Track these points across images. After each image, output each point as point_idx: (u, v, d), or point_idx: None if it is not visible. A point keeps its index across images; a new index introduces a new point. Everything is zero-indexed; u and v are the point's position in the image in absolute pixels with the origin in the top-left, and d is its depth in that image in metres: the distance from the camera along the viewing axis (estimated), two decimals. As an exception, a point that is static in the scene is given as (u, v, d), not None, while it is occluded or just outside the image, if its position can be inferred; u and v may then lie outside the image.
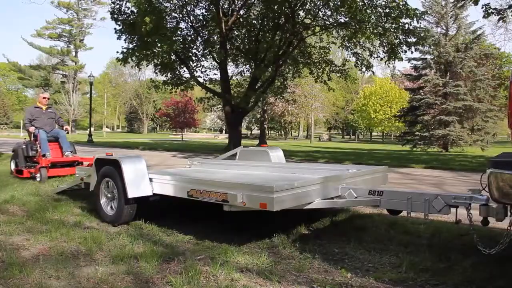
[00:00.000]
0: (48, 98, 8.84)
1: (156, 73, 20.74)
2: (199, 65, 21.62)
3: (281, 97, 27.04)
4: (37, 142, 8.26)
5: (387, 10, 16.67)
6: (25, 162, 8.38)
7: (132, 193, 4.67)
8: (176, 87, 21.04)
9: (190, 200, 4.41)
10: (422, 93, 28.12)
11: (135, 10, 16.72)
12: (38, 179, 7.81)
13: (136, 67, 19.47)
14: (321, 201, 4.19)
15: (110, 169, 5.02)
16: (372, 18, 17.06)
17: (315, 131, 61.56)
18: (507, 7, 16.45)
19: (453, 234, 4.50)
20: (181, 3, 19.32)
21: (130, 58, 18.37)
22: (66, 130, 8.76)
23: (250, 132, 75.85)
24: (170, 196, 4.67)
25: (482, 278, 3.22)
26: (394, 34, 17.53)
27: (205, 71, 22.13)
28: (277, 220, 4.91)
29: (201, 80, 21.47)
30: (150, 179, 4.83)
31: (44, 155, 7.84)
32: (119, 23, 18.28)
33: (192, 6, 20.21)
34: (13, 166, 9.01)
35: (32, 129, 8.13)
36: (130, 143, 28.72)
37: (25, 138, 9.33)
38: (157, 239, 4.35)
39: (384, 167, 5.65)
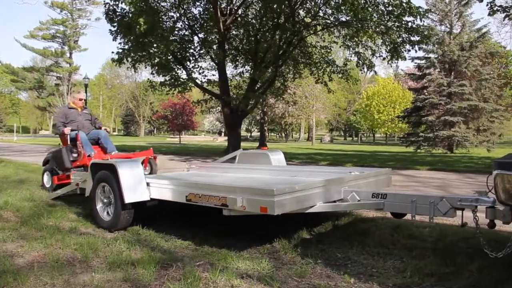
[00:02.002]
0: (85, 100, 8.31)
1: (153, 74, 20.75)
2: (196, 66, 21.63)
3: (281, 99, 27.06)
4: (78, 143, 7.40)
5: (390, 8, 16.69)
6: (70, 167, 7.35)
7: (129, 198, 4.68)
8: (173, 89, 21.04)
9: (189, 205, 4.41)
10: (426, 93, 28.10)
11: (131, 10, 16.74)
12: None
13: (132, 68, 19.48)
14: (323, 205, 4.19)
15: (106, 174, 5.03)
16: (374, 17, 17.06)
17: (316, 133, 61.51)
18: (512, 4, 16.47)
19: (459, 237, 4.51)
20: (177, 2, 19.35)
21: (125, 59, 18.38)
22: (106, 130, 7.97)
23: (249, 134, 75.86)
24: (168, 200, 4.68)
25: (489, 282, 3.22)
26: (397, 33, 17.53)
27: (203, 72, 22.14)
28: (278, 224, 4.92)
29: (199, 81, 21.48)
30: (148, 184, 4.84)
31: (89, 156, 7.09)
32: (114, 23, 18.29)
33: (189, 4, 20.22)
34: (46, 179, 7.98)
35: (67, 130, 7.34)
36: (127, 146, 28.66)
37: (59, 144, 8.68)
38: (155, 244, 4.35)
39: (387, 169, 5.65)
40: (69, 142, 7.40)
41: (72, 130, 7.45)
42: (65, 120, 7.62)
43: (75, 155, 7.27)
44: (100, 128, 8.01)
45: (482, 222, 3.51)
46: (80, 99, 7.98)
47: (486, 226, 3.53)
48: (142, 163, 6.07)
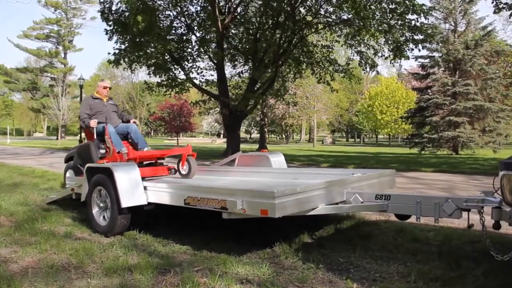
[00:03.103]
0: (110, 88, 7.50)
1: (150, 74, 20.76)
2: (194, 66, 21.64)
3: (281, 99, 27.08)
4: (106, 137, 6.57)
5: (393, 6, 16.70)
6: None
7: (125, 202, 4.68)
8: (171, 89, 21.05)
9: (187, 209, 4.41)
10: (430, 93, 28.13)
11: (127, 8, 16.75)
12: None
13: (128, 68, 19.48)
14: (325, 207, 4.19)
15: (102, 177, 5.04)
16: (377, 15, 17.08)
17: (317, 134, 61.51)
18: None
19: (464, 241, 4.51)
20: (174, 0, 19.35)
21: (122, 60, 18.40)
22: (134, 123, 7.18)
23: (249, 136, 75.91)
24: (166, 204, 4.68)
25: (495, 287, 3.23)
26: (400, 31, 17.55)
27: (201, 72, 22.14)
28: (279, 228, 4.93)
29: (197, 81, 21.50)
30: (145, 187, 4.84)
31: (119, 152, 6.26)
32: (110, 23, 18.31)
33: (186, 3, 20.23)
34: (68, 175, 7.36)
35: (93, 122, 6.58)
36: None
37: (83, 139, 7.99)
38: (152, 249, 4.35)
39: (391, 170, 5.66)
40: (95, 137, 6.62)
41: (99, 123, 6.68)
42: (90, 111, 6.87)
43: (102, 151, 6.50)
44: (128, 121, 7.27)
45: (488, 224, 3.52)
46: (105, 87, 7.24)
47: (491, 227, 3.54)
48: (179, 161, 5.92)
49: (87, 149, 6.53)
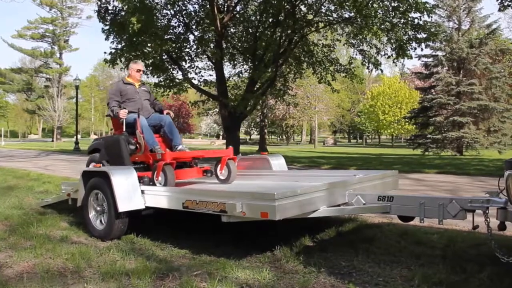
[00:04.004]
0: (144, 72, 6.83)
1: (147, 75, 20.76)
2: (193, 66, 21.64)
3: (281, 100, 27.09)
4: (137, 132, 5.78)
5: (395, 4, 16.71)
6: (127, 162, 5.71)
7: (123, 207, 4.68)
8: (168, 90, 21.05)
9: (186, 212, 4.42)
10: (434, 93, 28.17)
11: (124, 8, 16.76)
12: (159, 184, 5.15)
13: (125, 69, 19.48)
14: (327, 209, 4.20)
15: (99, 181, 5.04)
16: (379, 13, 17.08)
17: (319, 135, 61.57)
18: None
19: (469, 243, 4.51)
20: (171, -1, 19.38)
21: (119, 59, 18.40)
22: (168, 114, 6.38)
23: (249, 137, 75.87)
24: (164, 208, 4.69)
25: (501, 290, 3.23)
26: (403, 30, 17.56)
27: (200, 72, 22.14)
28: (279, 231, 4.93)
29: (195, 82, 21.49)
30: (142, 191, 4.85)
31: (151, 150, 5.60)
32: (106, 22, 18.33)
33: (184, 1, 20.24)
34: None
35: (123, 113, 5.82)
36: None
37: (111, 129, 6.98)
38: (150, 254, 4.36)
39: (394, 171, 5.67)
40: (124, 129, 5.87)
41: (129, 113, 5.93)
42: (120, 98, 6.12)
43: (132, 147, 5.73)
44: (161, 111, 6.47)
45: (493, 226, 3.52)
46: (138, 70, 6.43)
47: (496, 228, 3.54)
48: (218, 164, 5.53)
49: (117, 144, 5.74)
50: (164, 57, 19.30)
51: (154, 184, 5.10)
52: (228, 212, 3.90)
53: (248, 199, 3.83)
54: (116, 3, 17.50)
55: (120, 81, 6.48)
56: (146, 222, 5.24)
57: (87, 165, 6.34)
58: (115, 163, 5.66)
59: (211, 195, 4.17)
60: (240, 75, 23.37)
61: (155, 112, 6.39)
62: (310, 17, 19.62)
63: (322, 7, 19.06)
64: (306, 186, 4.27)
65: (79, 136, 36.15)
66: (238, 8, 20.37)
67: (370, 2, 16.53)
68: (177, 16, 20.45)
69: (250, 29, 21.07)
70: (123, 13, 17.23)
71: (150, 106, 6.42)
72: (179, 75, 20.89)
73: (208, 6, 18.99)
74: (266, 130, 45.04)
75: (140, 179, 5.18)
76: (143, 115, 5.93)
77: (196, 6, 20.92)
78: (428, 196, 4.00)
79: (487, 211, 3.52)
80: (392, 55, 18.62)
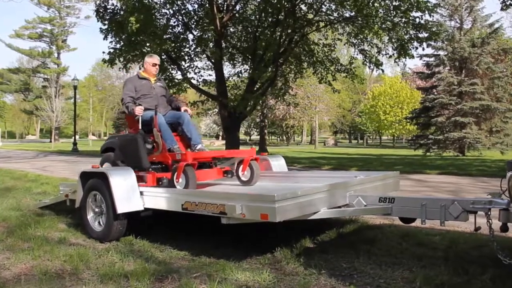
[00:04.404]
0: (159, 66, 6.35)
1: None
2: (192, 66, 21.64)
3: (282, 100, 27.09)
4: (155, 130, 5.47)
5: (396, 3, 16.73)
6: (149, 166, 5.37)
7: (121, 208, 4.68)
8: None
9: (185, 213, 4.42)
10: (436, 93, 28.17)
11: (122, 7, 16.77)
12: (180, 187, 4.91)
13: (123, 68, 19.50)
14: (327, 211, 4.20)
15: (97, 182, 5.03)
16: (380, 12, 17.11)
17: (319, 135, 61.54)
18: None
19: (471, 245, 4.52)
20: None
21: (117, 59, 18.41)
22: (186, 112, 6.02)
23: (249, 137, 75.85)
24: (163, 210, 4.69)
25: (503, 292, 3.23)
26: (404, 29, 17.58)
27: (199, 72, 22.15)
28: (280, 233, 4.93)
29: (194, 81, 21.50)
30: (141, 193, 4.84)
31: (170, 150, 5.34)
32: (105, 21, 18.34)
33: (183, 0, 20.25)
34: None
35: (139, 110, 5.53)
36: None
37: (124, 128, 6.52)
38: (149, 255, 4.36)
39: (395, 172, 5.67)
40: (140, 127, 5.57)
41: (145, 110, 5.63)
42: (135, 94, 5.82)
43: (149, 146, 5.45)
44: (178, 108, 6.13)
45: (495, 228, 3.52)
46: (154, 65, 6.10)
47: (499, 229, 3.54)
48: (239, 165, 5.27)
49: (134, 143, 5.40)
50: (163, 57, 19.30)
51: (173, 186, 4.89)
52: (227, 214, 3.90)
53: (247, 201, 3.84)
54: (114, 2, 17.52)
55: (135, 75, 6.19)
56: (145, 223, 5.24)
57: (101, 165, 6.07)
58: (132, 164, 5.35)
59: (210, 197, 4.17)
60: (240, 75, 23.38)
61: (172, 109, 6.11)
62: (310, 16, 19.63)
63: (323, 6, 19.07)
64: (306, 187, 4.27)
65: (77, 137, 36.14)
66: (237, 7, 20.39)
67: (371, 1, 16.55)
68: (176, 16, 20.47)
69: (249, 29, 21.09)
70: (122, 13, 17.25)
71: (167, 102, 6.15)
72: (178, 75, 20.91)
73: (207, 5, 18.99)
74: (266, 131, 45.06)
75: (159, 181, 5.07)
76: (160, 112, 5.64)
77: (196, 5, 20.94)
78: (429, 198, 4.00)
79: (489, 213, 3.52)
80: (393, 54, 18.64)
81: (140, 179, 5.17)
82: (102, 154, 6.33)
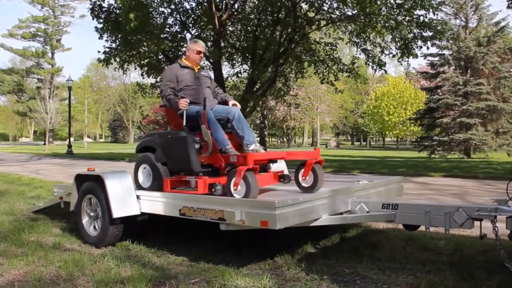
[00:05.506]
0: (204, 54, 5.52)
1: (143, 75, 20.77)
2: (190, 66, 21.62)
3: (282, 101, 27.10)
4: (203, 127, 4.70)
5: (400, 1, 16.73)
6: (199, 170, 4.70)
7: (117, 212, 4.68)
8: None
9: (183, 218, 4.42)
10: (440, 93, 28.17)
11: (118, 5, 16.78)
12: (238, 196, 4.14)
13: (119, 69, 19.51)
14: (329, 217, 4.20)
15: (92, 185, 5.03)
16: (383, 10, 17.12)
17: (321, 137, 61.64)
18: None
19: (477, 250, 4.52)
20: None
21: (113, 59, 18.42)
22: (235, 106, 5.39)
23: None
24: (160, 215, 4.69)
25: (510, 298, 3.23)
26: (408, 28, 17.58)
27: (198, 72, 22.13)
28: (280, 237, 4.93)
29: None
30: (138, 197, 4.84)
31: (221, 150, 4.65)
32: (100, 20, 18.35)
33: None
34: (142, 178, 5.14)
35: (183, 103, 4.84)
36: (115, 154, 28.72)
37: (167, 126, 6.29)
38: (146, 261, 4.36)
39: (399, 177, 5.68)
40: (184, 123, 4.89)
41: (191, 103, 4.97)
42: (175, 85, 5.14)
43: (196, 145, 4.78)
44: (226, 102, 5.48)
45: (502, 233, 3.53)
46: (199, 52, 5.36)
47: (507, 237, 3.54)
48: (300, 168, 4.73)
49: (181, 142, 4.75)
50: (160, 57, 19.32)
51: (230, 195, 4.20)
52: (226, 220, 3.90)
53: (247, 207, 3.83)
54: (110, 0, 17.53)
55: (176, 64, 5.42)
56: (142, 228, 5.24)
57: (136, 168, 5.27)
58: (178, 166, 4.86)
59: (209, 202, 4.17)
60: (239, 75, 23.37)
61: (219, 102, 5.45)
62: (311, 15, 19.64)
63: (324, 4, 19.07)
64: (308, 193, 4.28)
65: (72, 139, 36.15)
66: (236, 5, 20.39)
67: (374, -1, 16.55)
68: (174, 14, 20.47)
69: (249, 28, 21.07)
70: (117, 11, 17.26)
71: (213, 95, 5.46)
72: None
73: (205, 3, 19.00)
74: (266, 132, 45.07)
75: (212, 187, 4.47)
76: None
77: (193, 3, 20.93)
78: (433, 204, 3.99)
79: (495, 220, 3.51)
80: (397, 54, 18.62)
81: (185, 184, 4.80)
82: (139, 154, 5.43)
